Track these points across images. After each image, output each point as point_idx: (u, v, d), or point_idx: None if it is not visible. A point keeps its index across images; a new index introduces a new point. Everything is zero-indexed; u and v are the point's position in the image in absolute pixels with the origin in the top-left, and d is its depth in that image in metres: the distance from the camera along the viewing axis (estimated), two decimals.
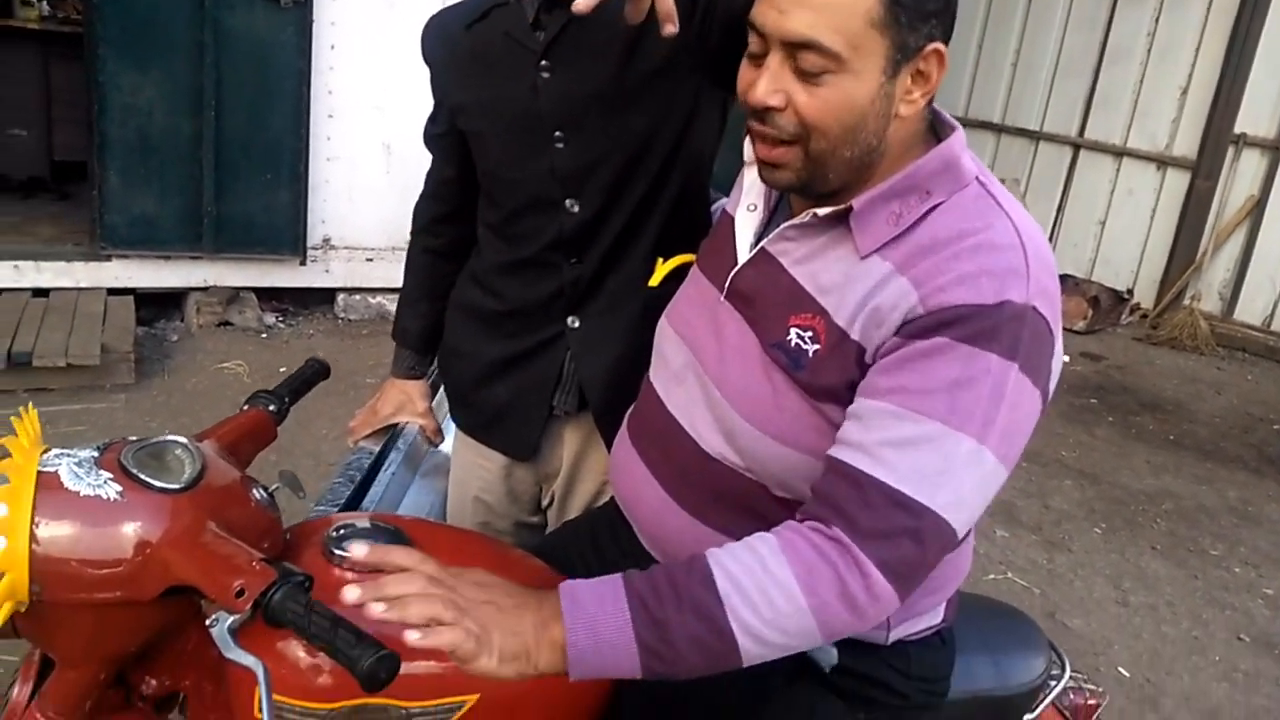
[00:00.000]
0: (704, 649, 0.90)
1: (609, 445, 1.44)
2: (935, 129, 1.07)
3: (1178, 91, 6.60)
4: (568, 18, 1.27)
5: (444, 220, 1.59)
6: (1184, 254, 6.58)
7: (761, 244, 1.10)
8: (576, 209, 1.37)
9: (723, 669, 0.92)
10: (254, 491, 1.02)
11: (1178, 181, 6.64)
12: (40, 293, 4.22)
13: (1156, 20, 6.66)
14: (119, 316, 4.10)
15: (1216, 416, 5.16)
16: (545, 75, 1.33)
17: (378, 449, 1.61)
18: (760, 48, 0.98)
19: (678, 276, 1.34)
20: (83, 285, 4.31)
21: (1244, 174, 6.40)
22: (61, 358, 3.63)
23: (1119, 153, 6.92)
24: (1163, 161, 6.71)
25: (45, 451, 0.94)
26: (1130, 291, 6.78)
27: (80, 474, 0.91)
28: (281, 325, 4.73)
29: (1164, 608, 3.26)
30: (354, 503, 1.49)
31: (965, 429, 0.92)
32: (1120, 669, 2.89)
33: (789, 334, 1.04)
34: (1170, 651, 3.02)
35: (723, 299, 1.13)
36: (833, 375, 1.00)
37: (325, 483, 1.53)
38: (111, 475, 0.92)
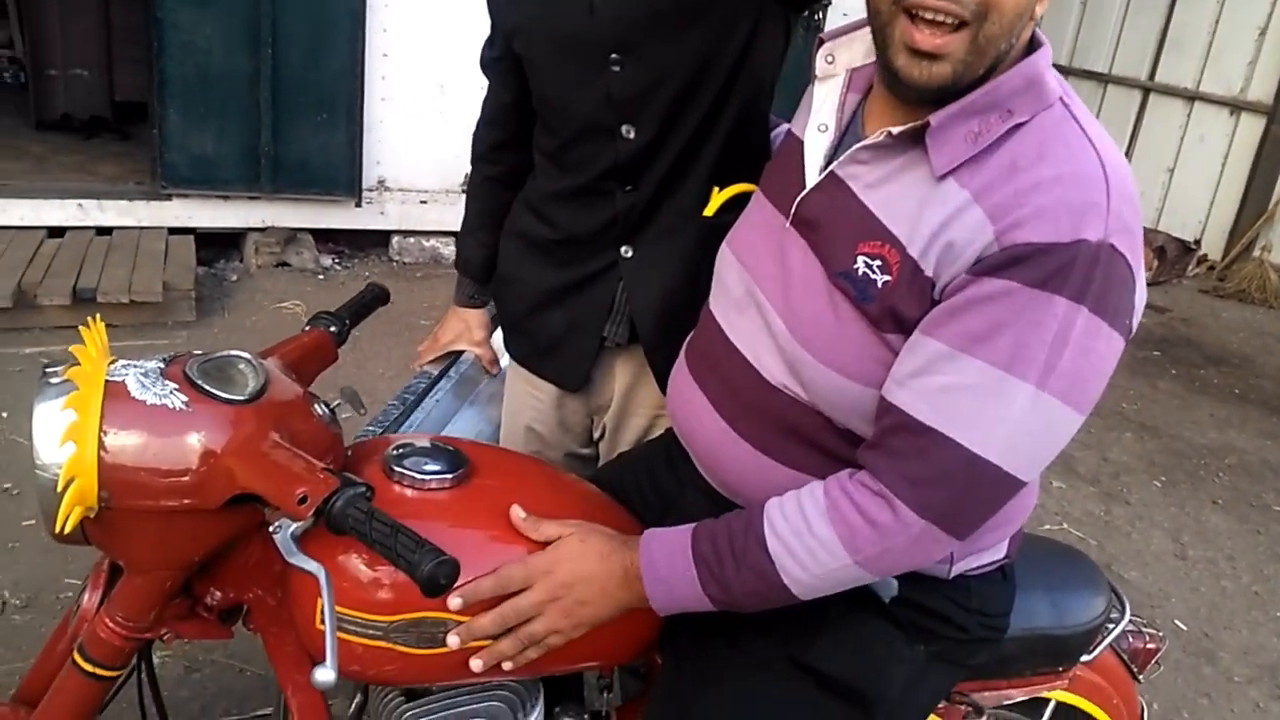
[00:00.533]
0: (764, 599, 1.01)
1: (660, 380, 1.43)
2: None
3: (1255, 32, 6.33)
4: None
5: (502, 147, 1.57)
6: (1255, 203, 6.36)
7: (831, 168, 1.06)
8: (632, 135, 1.35)
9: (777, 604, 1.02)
10: (316, 407, 1.03)
11: (1252, 127, 6.40)
12: (103, 231, 4.29)
13: None
14: (180, 255, 4.16)
15: None
16: None
17: (436, 373, 1.63)
18: None
19: (735, 206, 1.31)
20: (144, 224, 4.37)
21: None
22: (125, 294, 3.69)
23: (1191, 97, 6.67)
24: (1237, 106, 6.46)
25: (113, 362, 0.95)
26: (1198, 242, 6.57)
27: (147, 384, 0.92)
28: (337, 267, 4.78)
29: (1224, 562, 3.20)
30: (400, 423, 1.51)
31: (1026, 376, 0.90)
32: (1177, 621, 2.85)
33: (856, 262, 1.00)
34: (1229, 606, 2.97)
35: (788, 225, 1.09)
36: (903, 306, 0.97)
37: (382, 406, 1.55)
38: (177, 386, 0.93)
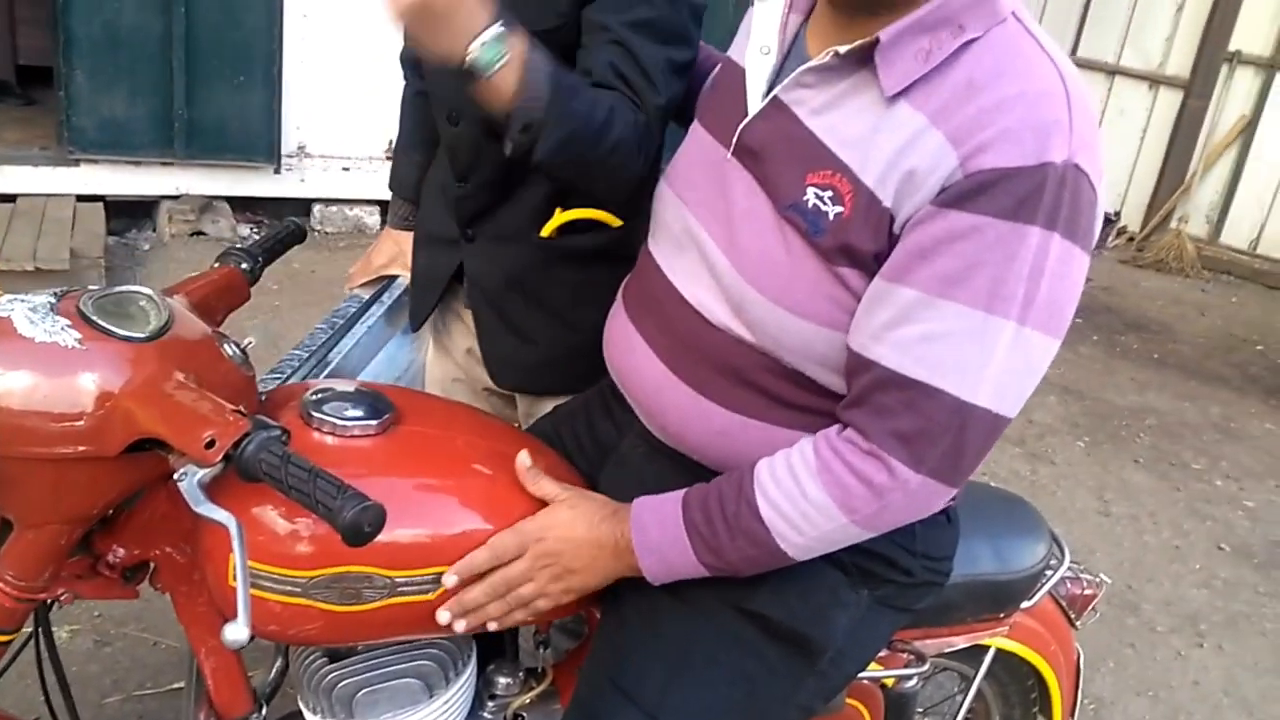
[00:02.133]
0: (758, 563, 1.00)
1: (486, 364, 1.42)
2: None
3: (1173, 8, 6.47)
4: None
5: None
6: (1173, 176, 6.52)
7: (774, 92, 1.01)
8: (457, 126, 1.30)
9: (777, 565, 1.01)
10: (226, 347, 0.96)
11: (1170, 101, 6.54)
12: (6, 199, 4.07)
13: None
14: (89, 223, 3.97)
15: (1200, 337, 5.15)
16: None
17: (367, 297, 1.57)
18: None
19: (584, 230, 1.30)
20: (51, 191, 4.16)
21: (1236, 93, 6.31)
22: (30, 261, 3.51)
23: (1112, 71, 6.80)
24: (1155, 80, 6.60)
25: None
26: (1118, 214, 6.72)
27: (35, 319, 0.85)
28: (256, 235, 4.62)
29: (1145, 518, 3.27)
30: (328, 348, 1.45)
31: (1007, 314, 0.88)
32: (1102, 575, 2.90)
33: (806, 194, 0.96)
34: (1151, 560, 3.04)
35: (729, 156, 1.04)
36: (858, 240, 0.93)
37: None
38: (70, 322, 0.86)
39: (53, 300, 0.88)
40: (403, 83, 1.59)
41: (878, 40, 0.92)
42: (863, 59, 0.94)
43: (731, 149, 1.04)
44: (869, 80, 0.94)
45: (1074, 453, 3.66)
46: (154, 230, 4.44)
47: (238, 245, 1.17)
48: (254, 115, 4.36)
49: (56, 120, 4.21)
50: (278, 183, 4.58)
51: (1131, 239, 6.62)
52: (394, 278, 1.62)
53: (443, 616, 0.99)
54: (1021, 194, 0.86)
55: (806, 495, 0.94)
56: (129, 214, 4.43)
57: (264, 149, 4.44)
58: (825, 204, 0.95)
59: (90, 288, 0.92)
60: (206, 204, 4.47)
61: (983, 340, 0.89)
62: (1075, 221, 0.89)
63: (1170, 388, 4.42)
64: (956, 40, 0.92)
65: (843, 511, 0.94)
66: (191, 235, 4.42)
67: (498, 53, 0.95)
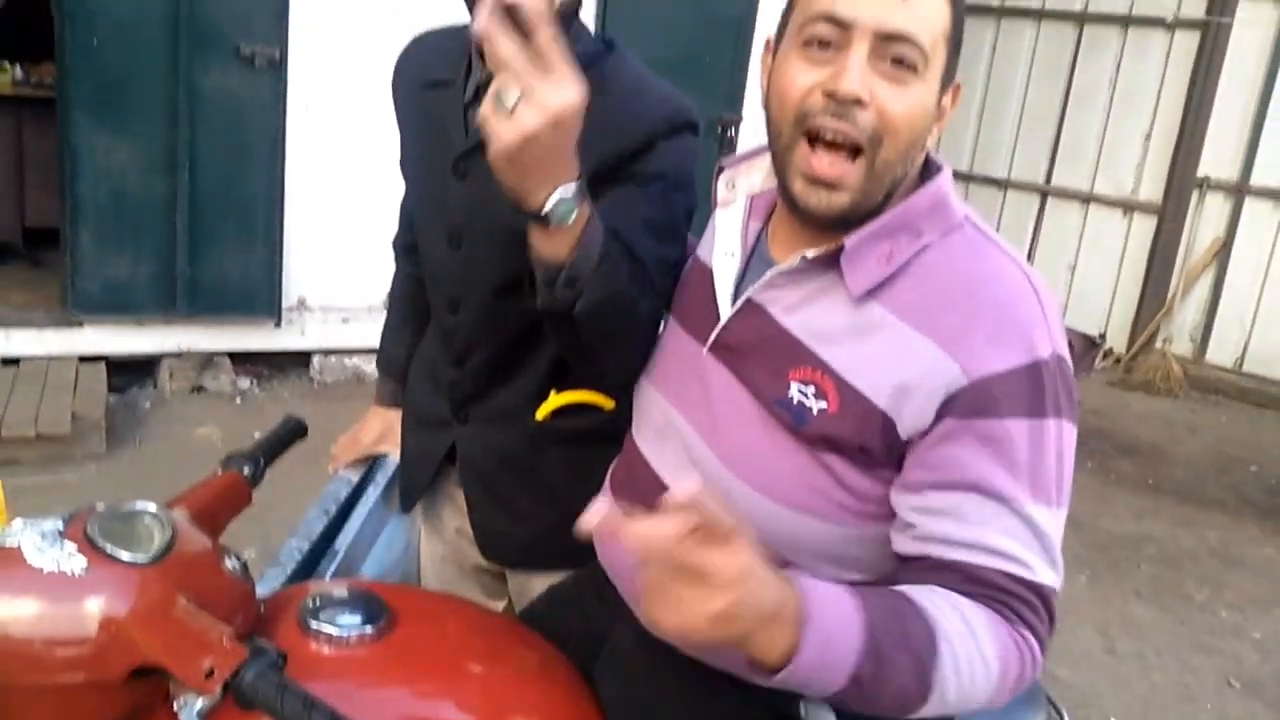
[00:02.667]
0: (898, 699, 0.88)
1: (478, 541, 1.44)
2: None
3: (1141, 137, 6.73)
4: None
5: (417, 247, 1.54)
6: (1154, 297, 6.66)
7: (748, 294, 1.07)
8: (456, 314, 1.35)
9: (882, 716, 0.91)
10: (227, 560, 0.98)
11: (1145, 226, 6.74)
12: (10, 361, 4.16)
13: (1118, 68, 6.80)
14: (90, 384, 4.04)
15: (1193, 459, 5.17)
16: (457, 177, 1.29)
17: (357, 479, 1.59)
18: (840, 39, 0.95)
19: (576, 414, 1.34)
20: (54, 353, 4.24)
21: (1209, 217, 6.51)
22: (31, 428, 3.56)
23: (1086, 199, 7.02)
24: (1129, 206, 6.81)
25: (8, 524, 0.90)
26: (1103, 336, 6.84)
27: (44, 547, 0.88)
28: (256, 389, 4.68)
29: (1152, 655, 3.24)
30: (328, 537, 1.46)
31: (1051, 500, 0.95)
32: (1112, 719, 2.86)
33: (790, 390, 1.01)
34: (1160, 700, 2.99)
35: (705, 352, 1.10)
36: (844, 432, 0.98)
37: (301, 515, 1.49)
38: (77, 547, 0.88)
39: (61, 525, 0.91)
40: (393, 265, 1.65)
41: (843, 247, 0.99)
42: (829, 262, 1.01)
43: (708, 346, 1.10)
44: (836, 280, 1.01)
45: (1076, 586, 3.64)
46: (155, 387, 4.50)
47: (239, 451, 1.20)
48: (256, 272, 4.48)
49: (61, 283, 4.32)
50: (278, 336, 4.68)
51: (1118, 360, 6.71)
52: (383, 456, 1.64)
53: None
54: (1030, 392, 0.93)
55: (980, 645, 0.90)
56: (130, 370, 4.50)
57: (265, 304, 4.55)
58: (809, 399, 1.00)
59: (99, 506, 0.95)
60: (207, 359, 4.55)
61: (1035, 528, 0.94)
62: (1070, 402, 0.96)
63: (1167, 514, 4.42)
64: (915, 245, 0.99)
65: (999, 675, 0.92)
66: (192, 391, 4.48)
67: (573, 206, 0.97)
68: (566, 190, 0.95)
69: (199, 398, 4.45)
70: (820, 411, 0.98)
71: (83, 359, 4.24)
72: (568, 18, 1.19)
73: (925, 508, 0.96)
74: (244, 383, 4.66)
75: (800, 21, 0.98)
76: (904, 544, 0.98)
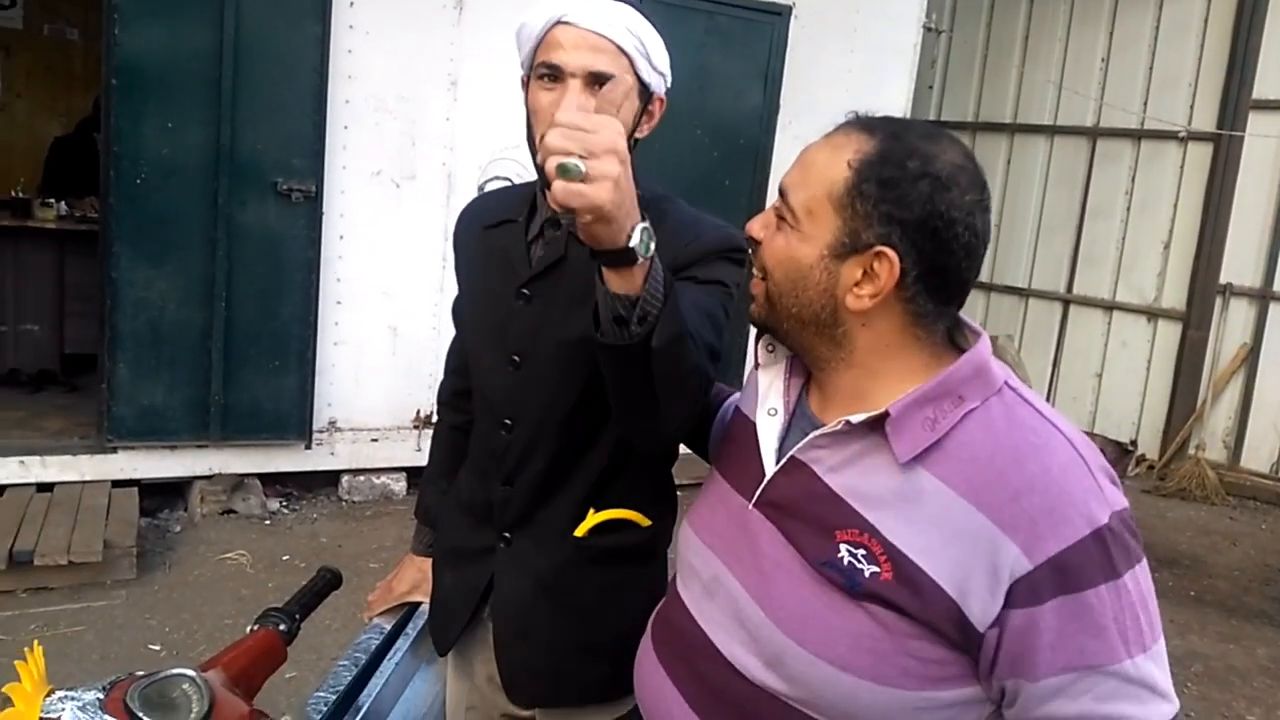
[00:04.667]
0: None
1: (504, 683, 1.43)
2: (954, 338, 1.09)
3: (1160, 245, 6.79)
4: (559, 255, 1.33)
5: (465, 394, 1.58)
6: (1184, 403, 6.61)
7: (791, 453, 1.08)
8: (510, 433, 1.39)
9: None
10: None
11: (1170, 332, 6.74)
12: (45, 487, 4.22)
13: (1133, 178, 6.91)
14: (122, 509, 4.08)
15: (1235, 570, 5.05)
16: (521, 302, 1.37)
17: (389, 627, 1.58)
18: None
19: (614, 530, 1.37)
20: (88, 478, 4.30)
21: (1234, 323, 6.51)
22: (63, 555, 3.59)
23: (1108, 306, 7.05)
24: (1152, 314, 6.82)
25: (50, 694, 0.92)
26: (1134, 443, 6.76)
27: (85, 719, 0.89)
28: (285, 510, 4.70)
29: None
30: (356, 688, 1.45)
31: (1147, 646, 0.95)
32: None
33: (840, 551, 1.00)
34: None
35: (751, 507, 1.11)
36: (899, 600, 0.97)
37: (331, 665, 1.49)
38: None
39: (101, 696, 0.92)
40: (436, 417, 1.69)
41: (887, 414, 1.00)
42: (872, 425, 1.02)
43: (754, 501, 1.11)
44: (879, 443, 1.02)
45: None
46: (185, 510, 4.53)
47: (275, 608, 1.22)
48: (288, 396, 4.56)
49: (97, 410, 4.41)
50: (308, 458, 4.72)
51: (1151, 467, 6.63)
52: (416, 605, 1.64)
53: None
54: (1101, 558, 0.93)
55: None
56: (161, 493, 4.55)
57: (296, 427, 4.61)
58: (860, 562, 0.99)
59: (138, 675, 0.97)
60: (238, 482, 4.59)
61: (1141, 679, 0.94)
62: (1135, 548, 0.96)
63: (1212, 628, 4.30)
64: (958, 410, 1.00)
65: None
66: (222, 514, 4.51)
67: (652, 234, 1.00)
68: (644, 224, 0.99)
69: (229, 520, 4.48)
70: (873, 575, 0.98)
71: (115, 483, 4.30)
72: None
73: (1044, 689, 0.95)
74: (273, 504, 4.69)
75: None
76: None
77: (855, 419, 1.02)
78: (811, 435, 1.06)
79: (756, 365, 1.19)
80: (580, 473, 1.38)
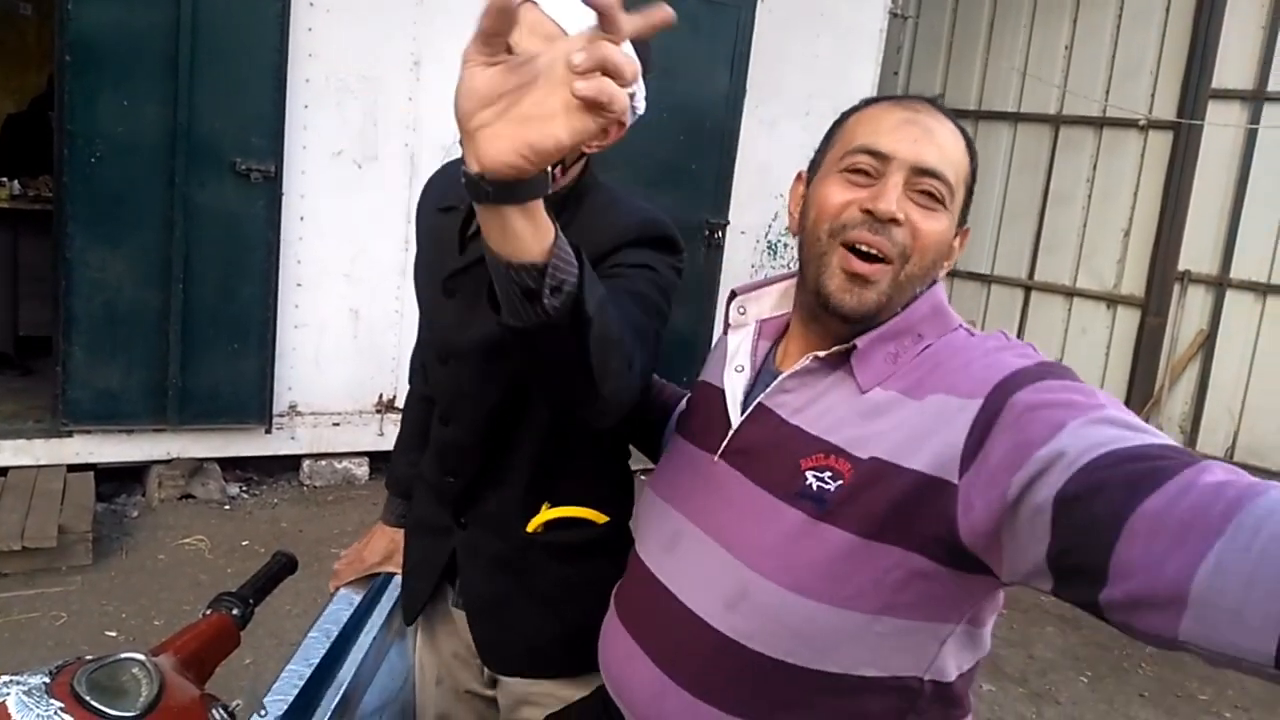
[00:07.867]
0: None
1: (485, 660, 1.42)
2: None
3: (1120, 232, 6.87)
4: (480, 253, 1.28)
5: None
6: (1142, 388, 6.71)
7: (759, 399, 1.13)
8: (448, 426, 1.38)
9: None
10: (214, 712, 0.97)
11: (1129, 319, 6.84)
12: None
13: (1094, 166, 6.99)
14: (78, 494, 4.01)
15: None
16: (445, 296, 1.33)
17: (359, 598, 1.56)
18: (876, 169, 1.07)
19: (570, 527, 1.35)
20: (42, 462, 4.22)
21: (1191, 309, 6.61)
22: (17, 541, 3.52)
23: (1069, 293, 7.13)
24: (1112, 300, 6.92)
25: None
26: None
27: (30, 704, 0.87)
28: (245, 495, 4.65)
29: None
30: (330, 661, 1.42)
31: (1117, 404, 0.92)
32: None
33: (805, 479, 1.04)
34: None
35: (717, 459, 1.15)
36: (870, 503, 0.98)
37: (301, 637, 1.46)
38: (63, 705, 0.88)
39: (48, 680, 0.90)
40: (407, 389, 1.67)
41: (855, 346, 1.07)
42: (836, 362, 1.09)
43: (720, 453, 1.15)
44: (843, 378, 1.08)
45: (1078, 689, 3.58)
46: (143, 495, 4.46)
47: (228, 592, 1.20)
48: (247, 380, 4.49)
49: (52, 393, 4.32)
50: (268, 442, 4.66)
51: None
52: (385, 576, 1.61)
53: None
54: (1043, 371, 0.96)
55: None
56: (118, 478, 4.48)
57: (256, 411, 4.54)
58: (826, 482, 1.03)
59: (86, 658, 0.94)
60: (197, 466, 4.53)
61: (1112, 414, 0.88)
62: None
63: None
64: (917, 346, 1.08)
65: None
66: (181, 499, 4.45)
67: (548, 179, 0.83)
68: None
69: (187, 505, 4.41)
70: (838, 488, 1.01)
71: (71, 468, 4.22)
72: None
73: (1038, 459, 0.87)
74: (233, 489, 4.63)
75: (842, 152, 1.10)
76: (1039, 502, 0.85)
77: (823, 353, 1.09)
78: (780, 378, 1.12)
79: (726, 328, 1.23)
80: (519, 469, 1.35)
